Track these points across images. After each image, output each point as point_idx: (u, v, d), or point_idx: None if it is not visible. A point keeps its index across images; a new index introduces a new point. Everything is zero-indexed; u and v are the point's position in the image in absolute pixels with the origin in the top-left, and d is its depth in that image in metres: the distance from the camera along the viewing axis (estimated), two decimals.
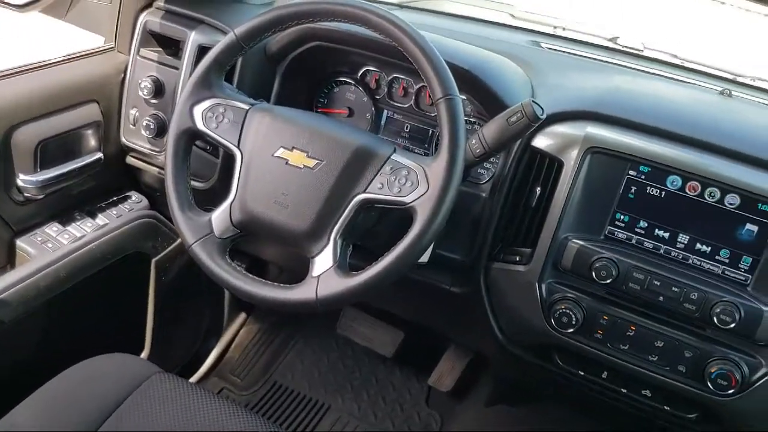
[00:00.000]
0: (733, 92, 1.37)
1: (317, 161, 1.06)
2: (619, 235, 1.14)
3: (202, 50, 1.37)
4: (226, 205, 1.11)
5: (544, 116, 1.03)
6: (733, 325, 1.04)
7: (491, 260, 1.23)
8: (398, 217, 1.07)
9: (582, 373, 1.20)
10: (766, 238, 1.05)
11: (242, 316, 2.13)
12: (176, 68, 1.42)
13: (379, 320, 1.94)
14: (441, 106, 1.01)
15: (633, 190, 1.11)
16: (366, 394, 1.94)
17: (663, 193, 1.10)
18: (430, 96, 1.12)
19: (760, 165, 1.06)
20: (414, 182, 1.01)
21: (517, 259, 1.19)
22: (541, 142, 1.16)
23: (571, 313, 1.13)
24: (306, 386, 1.96)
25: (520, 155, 1.18)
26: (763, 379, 1.06)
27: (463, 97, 1.24)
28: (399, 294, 1.44)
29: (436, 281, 1.30)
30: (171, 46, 1.46)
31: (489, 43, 1.39)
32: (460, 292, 1.29)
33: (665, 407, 1.16)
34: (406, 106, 1.37)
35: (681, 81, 1.45)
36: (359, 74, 1.39)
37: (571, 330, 1.14)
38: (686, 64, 1.56)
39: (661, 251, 1.12)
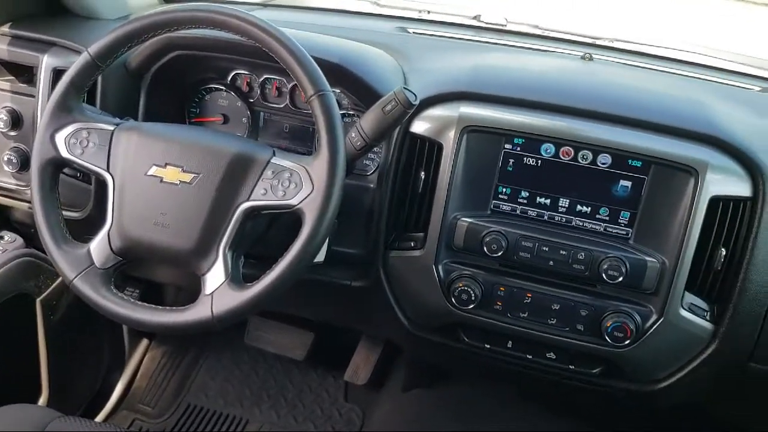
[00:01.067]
0: (594, 56, 1.43)
1: (194, 175, 1.03)
2: (504, 208, 1.17)
3: (57, 74, 1.30)
4: (103, 233, 1.06)
5: (417, 102, 1.04)
6: (621, 279, 1.09)
7: (388, 249, 1.23)
8: (288, 220, 1.05)
9: (488, 346, 1.23)
10: (640, 192, 1.10)
11: (144, 342, 2.05)
12: (32, 96, 1.34)
13: (287, 324, 1.91)
14: (314, 103, 1.00)
15: (511, 163, 1.14)
16: (283, 400, 1.92)
17: (539, 161, 1.13)
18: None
19: (625, 123, 1.11)
20: (298, 183, 1.00)
21: (412, 244, 1.20)
22: (419, 127, 1.17)
23: (469, 289, 1.15)
24: (221, 403, 1.92)
25: (401, 142, 1.18)
26: (655, 326, 1.11)
27: (337, 90, 1.23)
28: (301, 296, 1.42)
29: (336, 278, 1.29)
30: (24, 73, 1.38)
31: (356, 33, 1.39)
32: (362, 286, 1.28)
33: (570, 366, 1.20)
34: (282, 105, 1.35)
35: (545, 51, 1.50)
36: (229, 79, 1.35)
37: (472, 306, 1.16)
38: (548, 34, 1.62)
39: (545, 217, 1.15)
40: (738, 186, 1.07)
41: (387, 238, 1.22)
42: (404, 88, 1.03)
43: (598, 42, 1.63)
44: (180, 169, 1.03)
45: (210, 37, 1.21)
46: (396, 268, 1.23)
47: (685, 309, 1.10)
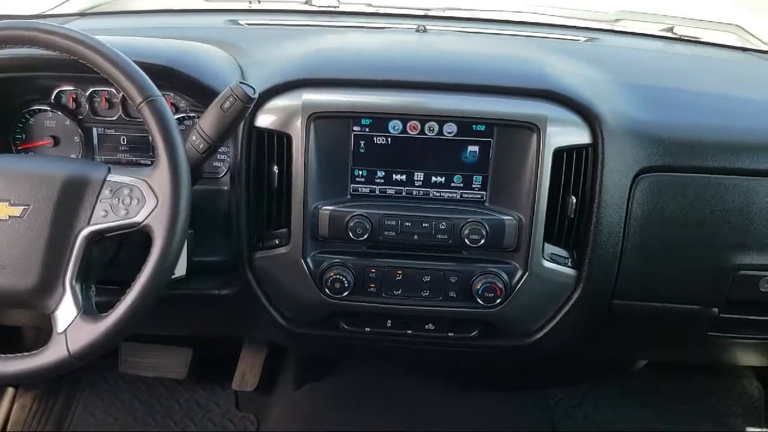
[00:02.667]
0: (427, 27, 1.45)
1: (23, 207, 0.94)
2: (363, 190, 1.16)
3: None
4: None
5: (256, 95, 1.01)
6: (483, 241, 1.12)
7: (252, 251, 1.19)
8: (138, 239, 0.98)
9: (369, 329, 1.23)
10: (488, 155, 1.13)
11: (10, 391, 1.88)
12: None
13: (162, 345, 1.82)
14: (144, 110, 0.94)
15: (362, 144, 1.13)
16: (172, 422, 1.83)
17: (389, 139, 1.13)
18: None
19: (463, 90, 1.13)
20: (140, 199, 0.94)
21: (277, 242, 1.17)
22: (263, 120, 1.14)
23: (341, 277, 1.14)
24: None
25: (248, 139, 1.14)
26: (522, 281, 1.15)
27: (170, 94, 1.17)
28: (170, 314, 1.35)
29: (203, 290, 1.23)
30: None
31: (185, 32, 1.33)
32: (232, 293, 1.24)
33: (449, 333, 1.22)
34: (115, 118, 1.26)
35: (379, 28, 1.50)
36: (53, 97, 1.25)
37: (347, 293, 1.15)
38: (381, 11, 1.62)
39: (404, 193, 1.16)
40: (578, 135, 1.12)
41: (250, 239, 1.18)
42: (241, 82, 0.99)
43: (430, 13, 1.65)
44: (7, 203, 0.94)
45: (23, 56, 1.11)
46: (264, 269, 1.19)
47: (547, 260, 1.14)
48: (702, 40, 1.64)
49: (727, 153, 1.13)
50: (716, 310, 1.21)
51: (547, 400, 1.90)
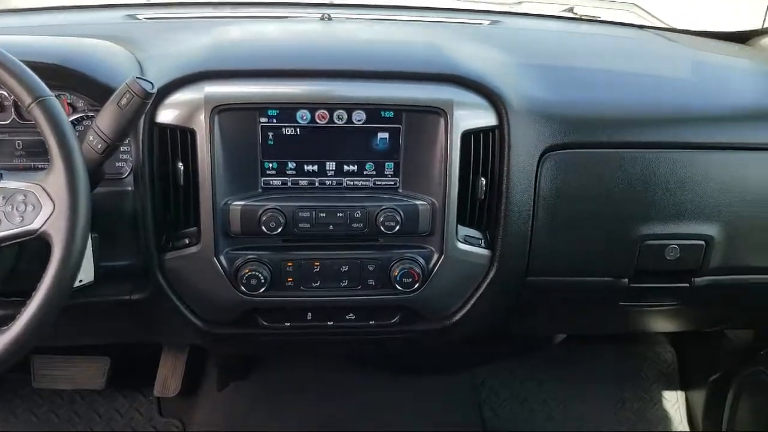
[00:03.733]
0: (332, 15, 1.43)
1: None
2: (275, 183, 1.14)
3: None
4: None
5: (154, 90, 0.97)
6: (398, 228, 1.12)
7: (162, 252, 1.15)
8: (37, 247, 0.94)
9: (289, 324, 1.21)
10: (398, 141, 1.13)
11: None
12: None
13: (77, 355, 1.75)
14: (34, 112, 0.89)
15: (271, 136, 1.11)
16: None
17: (298, 129, 1.11)
18: None
19: (370, 77, 1.12)
20: (36, 205, 0.89)
21: (187, 241, 1.14)
22: (165, 116, 1.10)
23: (257, 273, 1.12)
24: None
25: (149, 136, 1.10)
26: (439, 264, 1.16)
27: (66, 94, 1.12)
28: (80, 323, 1.29)
29: (113, 296, 1.18)
30: None
31: (79, 29, 1.27)
32: (144, 297, 1.20)
33: (371, 322, 1.22)
34: (7, 122, 1.19)
35: (283, 18, 1.47)
36: None
37: (263, 289, 1.13)
38: (285, 0, 1.60)
39: (316, 184, 1.14)
40: (484, 118, 1.13)
41: (158, 241, 1.14)
42: (138, 77, 0.95)
43: (335, 1, 1.64)
44: None
45: None
46: (176, 270, 1.16)
47: (461, 242, 1.15)
48: (601, 19, 1.69)
49: (627, 127, 1.17)
50: (626, 280, 1.25)
51: (473, 380, 1.93)
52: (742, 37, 1.57)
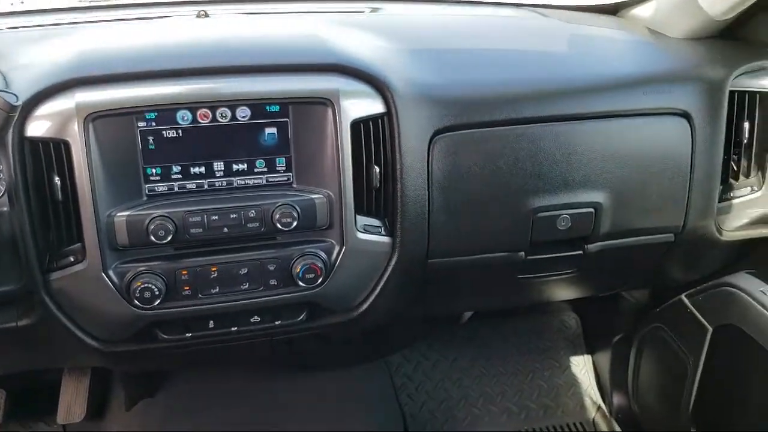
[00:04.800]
0: (209, 12, 1.39)
1: None
2: (161, 189, 1.09)
3: None
4: None
5: (19, 102, 0.92)
6: (295, 224, 1.10)
7: (47, 273, 1.08)
8: None
9: (190, 335, 1.17)
10: (287, 135, 1.10)
11: None
12: None
13: None
14: None
15: (151, 141, 1.06)
16: None
17: (180, 131, 1.07)
18: None
19: (250, 71, 1.09)
20: None
21: (72, 259, 1.07)
22: (35, 129, 1.03)
23: (150, 285, 1.07)
24: None
25: (20, 151, 1.03)
26: (341, 256, 1.14)
27: None
28: None
29: None
30: None
31: None
32: (32, 323, 1.12)
33: (277, 322, 1.20)
34: None
35: (157, 18, 1.42)
36: None
37: (159, 301, 1.08)
38: (157, 1, 1.54)
39: (205, 186, 1.10)
40: (371, 106, 1.13)
41: (41, 261, 1.07)
42: None
43: None
44: None
45: None
46: (63, 291, 1.09)
47: (361, 232, 1.15)
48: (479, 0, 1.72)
49: (511, 104, 1.19)
50: (522, 253, 1.28)
51: (388, 367, 1.94)
52: (613, 9, 1.63)
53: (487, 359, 2.00)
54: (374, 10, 1.57)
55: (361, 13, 1.53)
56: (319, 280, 1.14)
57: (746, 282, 1.40)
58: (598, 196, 1.25)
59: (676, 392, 1.60)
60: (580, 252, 1.30)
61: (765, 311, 1.32)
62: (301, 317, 1.21)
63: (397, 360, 1.96)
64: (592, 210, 1.25)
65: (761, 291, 1.36)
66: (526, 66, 1.31)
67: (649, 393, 1.77)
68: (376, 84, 1.13)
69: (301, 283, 1.13)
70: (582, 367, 2.03)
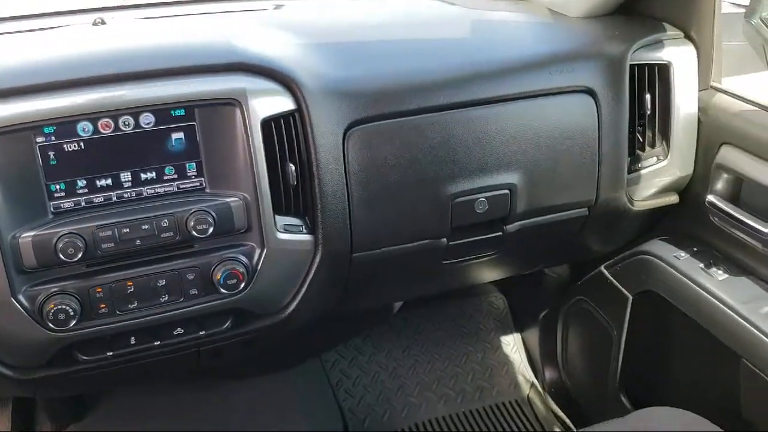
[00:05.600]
0: (107, 19, 1.34)
1: None
2: (67, 206, 1.04)
3: None
4: None
5: None
6: (212, 229, 1.07)
7: None
8: None
9: (111, 353, 1.12)
10: (196, 139, 1.07)
11: None
12: None
13: None
14: None
15: (52, 156, 1.01)
16: None
17: (82, 144, 1.02)
18: None
19: (151, 77, 1.05)
20: None
21: None
22: None
23: (64, 306, 1.02)
24: None
25: None
26: (262, 259, 1.12)
27: None
28: None
29: None
30: None
31: None
32: None
33: (201, 332, 1.17)
34: None
35: (50, 28, 1.35)
36: None
37: (74, 322, 1.03)
38: (50, 10, 1.47)
39: (114, 199, 1.06)
40: (281, 103, 1.11)
41: None
42: None
43: (110, 4, 1.53)
44: None
45: None
46: None
47: (281, 232, 1.13)
48: None
49: (422, 93, 1.20)
50: (445, 240, 1.29)
51: (323, 365, 1.93)
52: None
53: (421, 347, 2.02)
54: (278, 6, 1.55)
55: (264, 11, 1.51)
56: (242, 285, 1.11)
57: (660, 249, 1.46)
58: (512, 178, 1.27)
59: (603, 362, 1.65)
60: (500, 233, 1.32)
61: (679, 275, 1.37)
62: (227, 325, 1.18)
63: (332, 357, 1.95)
64: (507, 191, 1.27)
65: (674, 256, 1.41)
66: (435, 54, 1.32)
67: (578, 365, 1.82)
68: (284, 81, 1.12)
69: (223, 290, 1.10)
70: (513, 345, 2.07)
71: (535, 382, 1.97)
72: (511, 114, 1.26)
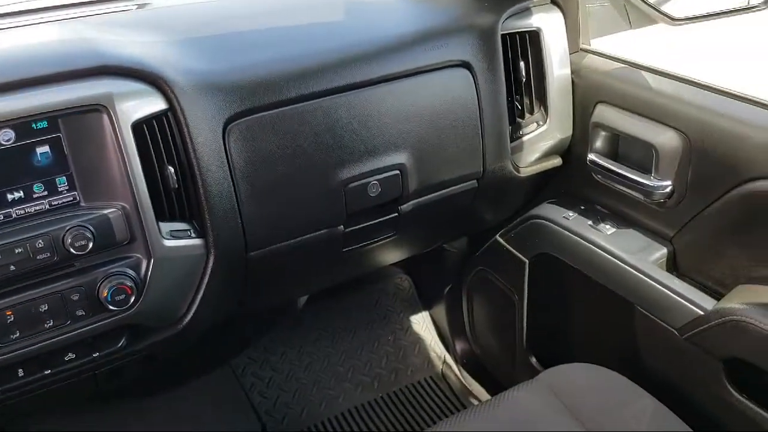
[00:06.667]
0: None
1: None
2: None
3: None
4: None
5: None
6: (92, 245, 1.00)
7: None
8: None
9: None
10: (63, 152, 1.00)
11: None
12: None
13: None
14: None
15: None
16: None
17: None
18: None
19: (4, 90, 0.97)
20: None
21: None
22: None
23: None
24: None
25: None
26: (151, 270, 1.07)
27: None
28: None
29: None
30: None
31: None
32: None
33: (95, 354, 1.10)
34: None
35: None
36: None
37: None
38: None
39: None
40: (151, 104, 1.05)
41: None
42: None
43: None
44: None
45: None
46: None
47: (168, 239, 1.08)
48: None
49: (299, 81, 1.17)
50: (341, 227, 1.27)
51: (234, 372, 1.88)
52: None
53: (333, 338, 2.00)
54: (141, 5, 1.47)
55: (127, 11, 1.43)
56: (132, 300, 1.05)
57: (549, 211, 1.50)
58: (401, 158, 1.26)
59: (509, 327, 1.69)
60: (396, 214, 1.32)
61: (570, 234, 1.42)
62: (121, 343, 1.12)
63: (242, 362, 1.90)
64: (398, 172, 1.27)
65: (563, 217, 1.46)
66: (311, 40, 1.29)
67: (486, 334, 1.86)
68: (152, 80, 1.06)
69: (112, 308, 1.04)
70: (422, 324, 2.09)
71: (447, 356, 2.00)
72: (393, 94, 1.25)
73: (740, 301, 1.15)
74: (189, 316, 1.16)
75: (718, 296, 1.22)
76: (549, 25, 1.41)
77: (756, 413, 1.13)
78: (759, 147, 1.12)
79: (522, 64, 1.39)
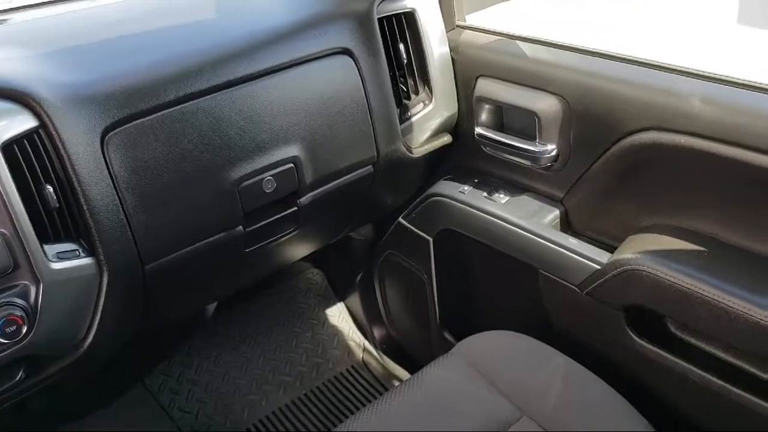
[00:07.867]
0: None
1: None
2: None
3: None
4: None
5: None
6: None
7: None
8: None
9: None
10: None
11: None
12: None
13: None
14: None
15: None
16: None
17: None
18: None
19: None
20: None
21: None
22: None
23: None
24: None
25: None
26: (41, 296, 1.01)
27: None
28: None
29: None
30: None
31: None
32: None
33: None
34: None
35: None
36: None
37: None
38: None
39: None
40: (20, 122, 1.00)
41: None
42: None
43: None
44: None
45: None
46: None
47: (55, 261, 1.02)
48: None
49: (175, 83, 1.13)
50: (241, 228, 1.25)
51: (150, 390, 1.81)
52: None
53: (249, 342, 1.97)
54: (2, 21, 1.39)
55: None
56: (24, 330, 1.00)
57: (445, 188, 1.53)
58: (293, 150, 1.25)
59: (422, 306, 1.71)
60: (295, 208, 1.31)
61: (467, 208, 1.45)
62: (20, 376, 1.06)
63: (157, 380, 1.84)
64: (292, 165, 1.26)
65: (459, 191, 1.49)
66: (186, 40, 1.26)
67: (402, 316, 1.87)
68: (18, 97, 1.01)
69: (3, 341, 0.98)
70: (338, 315, 2.08)
71: (367, 344, 2.00)
72: (277, 87, 1.23)
73: (632, 251, 1.20)
74: (89, 340, 1.11)
75: (611, 249, 1.27)
76: (423, 4, 1.42)
77: (657, 354, 1.20)
78: (632, 102, 1.18)
79: (401, 46, 1.40)
